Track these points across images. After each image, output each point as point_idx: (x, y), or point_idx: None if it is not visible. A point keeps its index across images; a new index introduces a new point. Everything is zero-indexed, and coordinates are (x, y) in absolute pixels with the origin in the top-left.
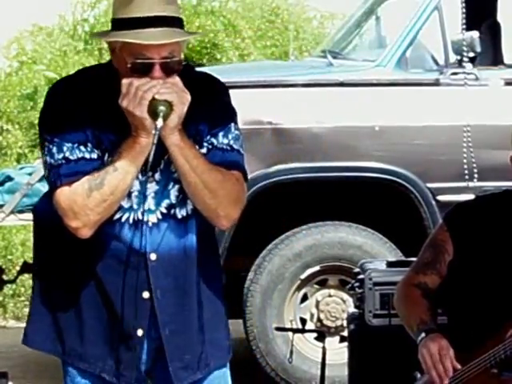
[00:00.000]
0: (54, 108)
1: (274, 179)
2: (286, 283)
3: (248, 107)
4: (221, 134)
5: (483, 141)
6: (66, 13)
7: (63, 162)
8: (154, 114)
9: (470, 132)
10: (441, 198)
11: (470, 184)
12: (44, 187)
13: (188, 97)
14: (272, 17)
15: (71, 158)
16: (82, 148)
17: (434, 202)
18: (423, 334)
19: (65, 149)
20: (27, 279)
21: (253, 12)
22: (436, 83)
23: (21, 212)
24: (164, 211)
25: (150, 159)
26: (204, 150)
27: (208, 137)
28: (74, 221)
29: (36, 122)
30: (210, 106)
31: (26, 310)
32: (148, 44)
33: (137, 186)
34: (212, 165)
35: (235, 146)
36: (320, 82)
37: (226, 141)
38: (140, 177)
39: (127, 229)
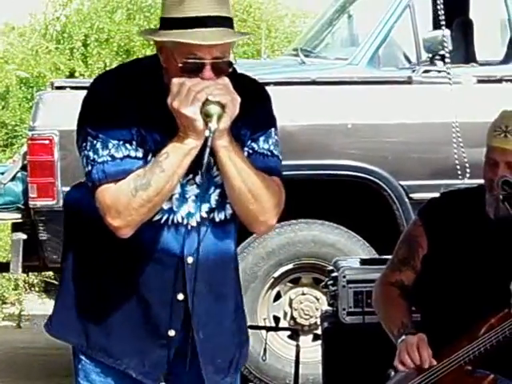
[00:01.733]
0: (101, 102)
1: None
2: (259, 282)
3: None
4: (261, 138)
5: (458, 139)
6: (37, 12)
7: (108, 159)
8: (206, 115)
9: (444, 130)
10: (414, 195)
11: (443, 181)
12: (17, 186)
13: (238, 98)
14: (244, 15)
15: (117, 155)
16: (127, 146)
17: (407, 200)
18: (404, 337)
19: (110, 146)
20: (0, 278)
21: None
22: (408, 81)
23: None
24: (204, 215)
25: (205, 161)
26: (245, 155)
27: (249, 141)
28: (117, 219)
29: (7, 121)
30: (254, 112)
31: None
32: (201, 44)
33: (178, 189)
34: (256, 170)
35: (275, 152)
36: (292, 81)
37: (266, 146)
38: (181, 179)
39: (166, 231)
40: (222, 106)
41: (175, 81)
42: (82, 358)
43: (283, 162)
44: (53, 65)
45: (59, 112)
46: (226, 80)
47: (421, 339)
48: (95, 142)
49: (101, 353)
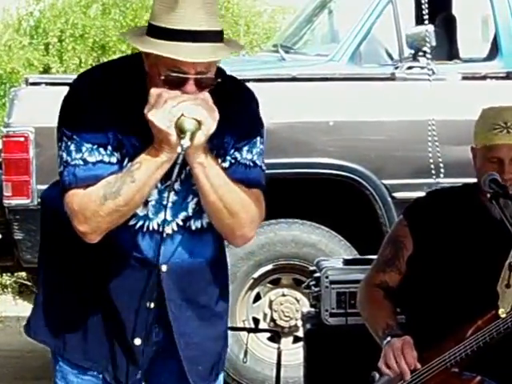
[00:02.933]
0: (80, 102)
1: None
2: (238, 282)
3: None
4: (245, 148)
5: (441, 136)
6: (10, 7)
7: (81, 162)
8: (180, 130)
9: (428, 127)
10: (397, 194)
11: (427, 180)
12: None
13: (217, 115)
14: (222, 11)
15: (89, 159)
16: (101, 150)
17: (389, 199)
18: (389, 339)
19: (84, 149)
20: None
21: None
22: (391, 78)
23: None
24: (180, 223)
25: (173, 178)
26: (226, 164)
27: (232, 150)
28: (83, 225)
29: None
30: (240, 119)
31: None
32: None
33: (155, 195)
34: (233, 185)
35: (258, 162)
36: (272, 77)
37: (249, 156)
38: (159, 185)
39: (141, 237)
40: (199, 123)
41: (153, 91)
42: (60, 359)
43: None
44: (26, 60)
45: (35, 108)
46: (206, 95)
47: (406, 342)
48: (69, 143)
49: (77, 355)
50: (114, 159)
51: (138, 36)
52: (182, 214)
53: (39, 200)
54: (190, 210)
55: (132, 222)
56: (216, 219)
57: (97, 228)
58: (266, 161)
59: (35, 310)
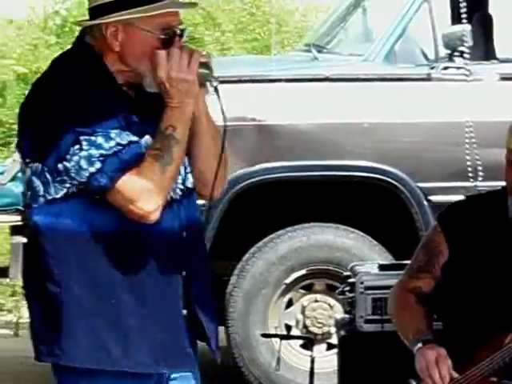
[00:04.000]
0: (80, 97)
1: (258, 179)
2: (270, 288)
3: (230, 104)
4: None
5: (479, 138)
6: (36, 5)
7: (119, 148)
8: (202, 76)
9: (465, 129)
10: (433, 198)
11: (464, 184)
12: (16, 187)
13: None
14: (253, 9)
15: (123, 142)
16: (125, 132)
17: (425, 203)
18: (420, 344)
19: (113, 135)
20: None
21: (233, 4)
22: (427, 78)
23: None
24: (181, 187)
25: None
26: None
27: None
28: (149, 203)
29: (5, 119)
30: None
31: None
32: (174, 12)
33: None
34: None
35: None
36: (305, 77)
37: None
38: None
39: (165, 210)
40: (207, 66)
41: (161, 53)
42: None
43: (295, 163)
44: None
45: None
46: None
47: (439, 354)
48: (93, 138)
49: (124, 361)
50: (135, 138)
51: (113, 14)
52: (180, 178)
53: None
54: (182, 172)
55: None
56: (209, 163)
57: (161, 202)
58: (299, 163)
59: (64, 335)
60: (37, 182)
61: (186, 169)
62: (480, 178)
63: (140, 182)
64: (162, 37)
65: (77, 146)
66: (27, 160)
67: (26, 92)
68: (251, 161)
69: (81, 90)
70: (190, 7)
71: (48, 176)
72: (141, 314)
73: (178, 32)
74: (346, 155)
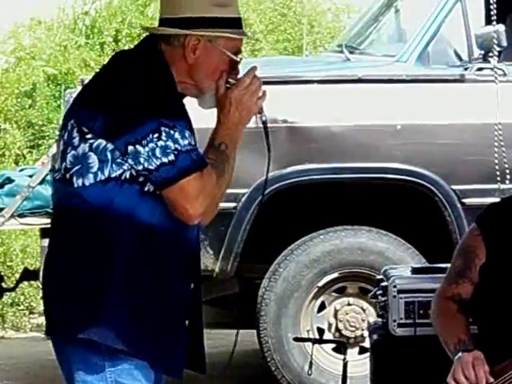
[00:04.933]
0: (163, 92)
1: (290, 181)
2: (302, 291)
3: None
4: None
5: None
6: (65, 6)
7: (190, 147)
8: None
9: (500, 131)
10: (467, 200)
11: (500, 186)
12: (46, 190)
13: None
14: (284, 9)
15: (193, 144)
16: (193, 136)
17: (459, 205)
18: (460, 354)
19: (187, 135)
20: (27, 287)
21: (264, 4)
22: (461, 79)
23: (21, 216)
24: None
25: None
26: None
27: None
28: (201, 207)
29: (34, 120)
30: None
31: (26, 319)
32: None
33: None
34: None
35: None
36: (337, 79)
37: None
38: None
39: None
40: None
41: (247, 78)
42: (126, 362)
43: (327, 165)
44: (82, 61)
45: None
46: None
47: (476, 357)
48: (172, 131)
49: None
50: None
51: (202, 29)
52: None
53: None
54: None
55: None
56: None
57: (206, 208)
58: (332, 165)
59: (104, 315)
60: (93, 158)
61: None
62: None
63: (202, 184)
64: (234, 59)
65: (156, 135)
66: (88, 135)
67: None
68: (283, 163)
69: (165, 88)
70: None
71: (109, 155)
72: (160, 315)
73: (240, 58)
74: (378, 157)
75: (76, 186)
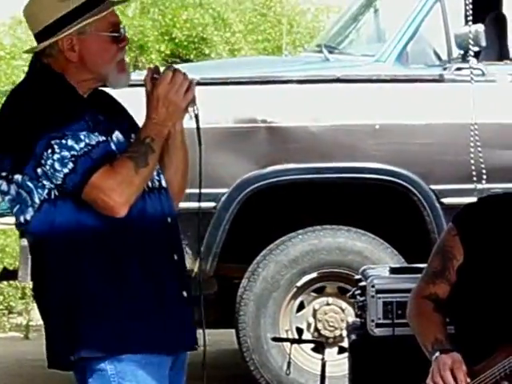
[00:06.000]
0: (46, 107)
1: (269, 181)
2: (281, 291)
3: (240, 105)
4: None
5: (492, 140)
6: None
7: (89, 148)
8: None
9: (478, 131)
10: (445, 200)
11: (477, 186)
12: None
13: None
14: (264, 10)
15: (92, 143)
16: (92, 134)
17: (437, 205)
18: (437, 354)
19: (82, 137)
20: (6, 287)
21: (244, 4)
22: (440, 79)
23: (1, 215)
24: (157, 178)
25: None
26: None
27: None
28: (121, 197)
29: None
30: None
31: (5, 319)
32: (114, 12)
33: None
34: None
35: None
36: (316, 78)
37: None
38: None
39: (148, 198)
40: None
41: (168, 74)
42: (119, 361)
43: (306, 165)
44: None
45: None
46: None
47: (454, 358)
48: (64, 140)
49: (147, 341)
50: (103, 138)
51: (65, 28)
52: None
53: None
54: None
55: None
56: (184, 173)
57: (130, 199)
58: (310, 165)
59: (81, 333)
60: (23, 194)
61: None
62: (493, 180)
63: (114, 175)
64: (115, 35)
65: (49, 150)
66: (9, 176)
67: None
68: (263, 163)
69: (47, 102)
70: (124, 2)
71: (30, 184)
72: (151, 298)
73: (122, 29)
74: (357, 157)
75: (20, 222)
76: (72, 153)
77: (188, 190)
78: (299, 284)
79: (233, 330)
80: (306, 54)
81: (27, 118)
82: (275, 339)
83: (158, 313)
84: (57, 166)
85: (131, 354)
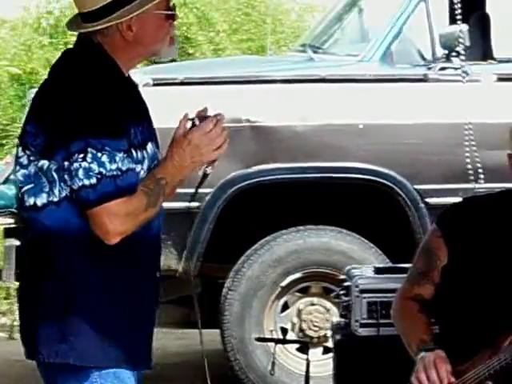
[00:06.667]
0: (101, 106)
1: (254, 180)
2: (265, 291)
3: (225, 104)
4: None
5: (476, 140)
6: (30, 5)
7: (118, 173)
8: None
9: (463, 130)
10: (430, 200)
11: (461, 186)
12: (10, 190)
13: None
14: (248, 9)
15: (123, 168)
16: (129, 158)
17: (422, 205)
18: (422, 354)
19: (117, 159)
20: None
21: (228, 4)
22: (424, 79)
23: None
24: None
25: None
26: None
27: None
28: (122, 226)
29: None
30: None
31: None
32: None
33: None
34: None
35: None
36: (301, 78)
37: None
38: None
39: None
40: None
41: (209, 122)
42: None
43: (290, 165)
44: (46, 60)
45: None
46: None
47: (438, 356)
48: (100, 154)
49: (128, 356)
50: (138, 165)
51: (128, 8)
52: None
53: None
54: None
55: None
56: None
57: (128, 231)
58: (295, 164)
59: (73, 336)
60: (43, 179)
61: None
62: (478, 180)
63: (127, 205)
64: (170, 13)
65: (82, 155)
66: (32, 157)
67: (20, 93)
68: (248, 163)
69: (100, 103)
70: None
71: (55, 175)
72: (135, 314)
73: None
74: (342, 157)
75: (27, 204)
76: (101, 170)
77: None
78: (284, 284)
79: (217, 330)
80: (291, 53)
81: (76, 109)
82: (259, 339)
83: (140, 332)
84: (80, 173)
85: (114, 368)
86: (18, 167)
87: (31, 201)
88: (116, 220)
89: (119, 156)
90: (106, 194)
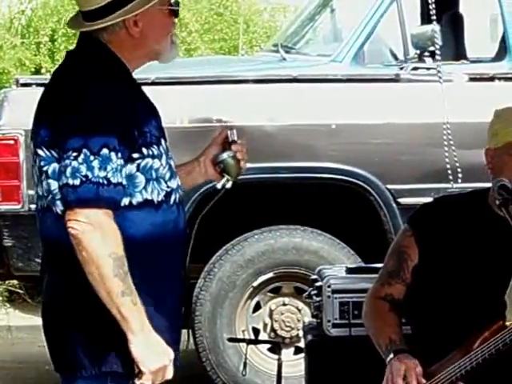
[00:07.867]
0: (105, 109)
1: None
2: (237, 291)
3: (196, 105)
4: None
5: (449, 140)
6: (1, 5)
7: (104, 181)
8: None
9: (434, 130)
10: (402, 200)
11: (433, 186)
12: None
13: None
14: (220, 9)
15: (112, 180)
16: (122, 172)
17: (394, 205)
18: (392, 355)
19: (108, 168)
20: None
21: (200, 4)
22: (396, 79)
23: None
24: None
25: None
26: None
27: None
28: (91, 234)
29: None
30: None
31: None
32: None
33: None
34: None
35: None
36: (272, 78)
37: None
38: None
39: (175, 210)
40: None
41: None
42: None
43: (261, 165)
44: (17, 60)
45: (25, 110)
46: None
47: (408, 365)
48: (92, 157)
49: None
50: (156, 160)
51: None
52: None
53: (30, 206)
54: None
55: (173, 197)
56: None
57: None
58: (266, 164)
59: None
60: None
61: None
62: (450, 180)
63: (107, 227)
64: (174, 9)
65: (75, 154)
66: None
67: None
68: None
69: (105, 108)
70: None
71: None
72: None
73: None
74: (313, 157)
75: (56, 212)
76: (87, 173)
77: None
78: (255, 284)
79: (189, 330)
80: (263, 53)
81: (81, 108)
82: (231, 340)
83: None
84: (68, 171)
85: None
86: (43, 175)
87: (58, 209)
88: (95, 231)
89: (112, 166)
90: (83, 199)
